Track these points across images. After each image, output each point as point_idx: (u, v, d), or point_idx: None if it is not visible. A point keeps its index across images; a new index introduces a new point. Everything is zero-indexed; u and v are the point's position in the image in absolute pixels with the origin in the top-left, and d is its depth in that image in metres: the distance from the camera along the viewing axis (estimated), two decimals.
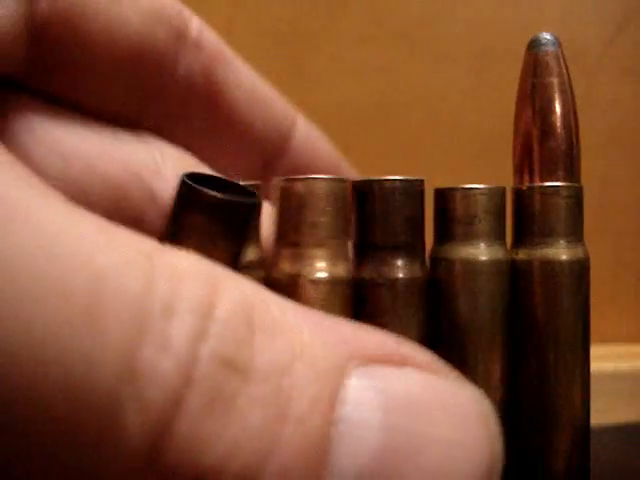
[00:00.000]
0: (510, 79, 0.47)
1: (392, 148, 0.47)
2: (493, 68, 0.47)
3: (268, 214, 0.19)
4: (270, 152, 0.24)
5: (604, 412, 0.43)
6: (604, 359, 0.45)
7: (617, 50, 0.48)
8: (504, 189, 0.17)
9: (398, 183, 0.16)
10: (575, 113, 0.18)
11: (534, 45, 0.20)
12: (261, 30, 0.46)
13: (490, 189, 0.16)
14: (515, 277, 0.16)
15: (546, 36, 0.19)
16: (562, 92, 0.17)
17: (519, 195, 0.17)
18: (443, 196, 0.16)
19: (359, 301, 0.16)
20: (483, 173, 0.48)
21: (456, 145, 0.47)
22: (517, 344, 0.16)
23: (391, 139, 0.47)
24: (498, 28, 0.47)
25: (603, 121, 0.48)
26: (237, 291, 0.11)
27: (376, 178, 0.17)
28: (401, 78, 0.46)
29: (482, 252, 0.16)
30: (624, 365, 0.44)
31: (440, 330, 0.16)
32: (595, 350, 0.51)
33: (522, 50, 0.51)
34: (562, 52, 0.18)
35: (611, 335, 0.48)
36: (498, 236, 0.16)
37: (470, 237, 0.16)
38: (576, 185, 0.17)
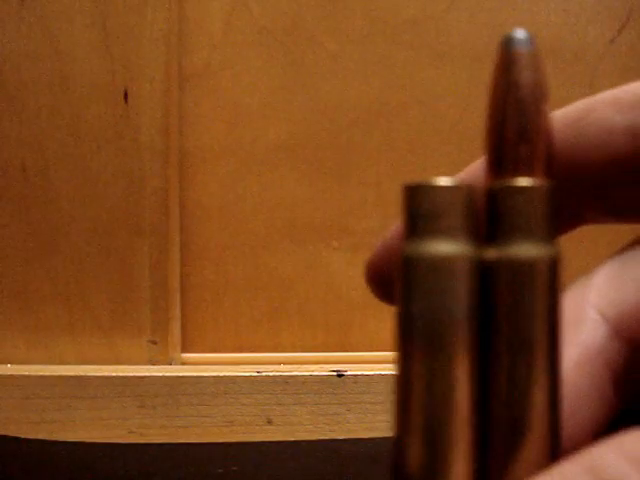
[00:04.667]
0: None
1: (392, 146, 0.46)
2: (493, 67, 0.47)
3: None
4: None
5: None
6: None
7: (618, 49, 0.47)
8: (473, 185, 0.16)
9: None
10: (548, 111, 0.17)
11: (508, 43, 0.19)
12: (261, 28, 0.46)
13: (458, 184, 0.16)
14: (483, 277, 0.16)
15: (520, 33, 0.19)
16: (537, 92, 0.17)
17: (490, 191, 0.17)
18: (409, 191, 0.16)
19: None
20: None
21: (455, 143, 0.47)
22: (485, 348, 0.16)
23: (391, 137, 0.46)
24: (498, 28, 0.47)
25: None
26: None
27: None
28: (401, 77, 0.46)
29: (447, 249, 0.15)
30: None
31: (400, 331, 0.16)
32: None
33: None
34: (537, 50, 0.17)
35: None
36: (466, 233, 0.16)
37: (436, 234, 0.15)
38: (549, 182, 0.16)
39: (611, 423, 0.15)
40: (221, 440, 0.42)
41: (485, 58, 0.47)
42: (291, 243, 0.46)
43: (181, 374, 0.43)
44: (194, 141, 0.46)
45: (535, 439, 0.15)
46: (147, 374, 0.43)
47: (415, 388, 0.15)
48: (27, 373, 0.43)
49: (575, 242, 0.43)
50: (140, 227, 0.44)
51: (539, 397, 0.15)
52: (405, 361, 0.15)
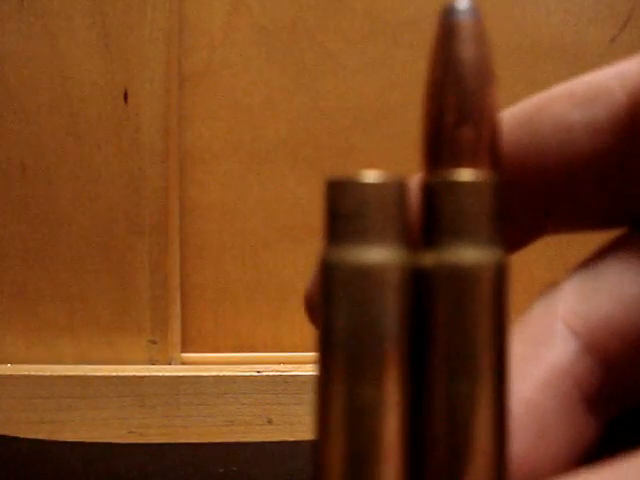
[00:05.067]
0: (511, 77, 0.47)
1: (392, 146, 0.46)
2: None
3: None
4: None
5: None
6: None
7: (619, 49, 0.47)
8: (404, 180, 0.14)
9: None
10: (495, 93, 0.15)
11: (448, 13, 0.16)
12: (261, 28, 0.46)
13: (386, 180, 0.13)
14: (418, 286, 0.14)
15: (462, 3, 0.16)
16: (480, 68, 0.15)
17: (426, 187, 0.14)
18: (331, 188, 0.14)
19: None
20: None
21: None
22: (422, 366, 0.14)
23: (391, 137, 0.46)
24: (499, 27, 0.47)
25: None
26: None
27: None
28: (401, 77, 0.46)
29: (376, 256, 0.13)
30: None
31: (320, 348, 0.14)
32: None
33: (522, 51, 0.50)
34: (481, 22, 0.15)
35: None
36: (399, 236, 0.14)
37: (362, 237, 0.13)
38: (494, 176, 0.14)
39: (601, 445, 0.14)
40: (221, 440, 0.42)
41: None
42: (291, 242, 0.46)
43: (181, 374, 0.43)
44: (194, 141, 0.46)
45: (479, 465, 0.13)
46: (147, 374, 0.43)
47: (335, 412, 0.13)
48: (27, 373, 0.42)
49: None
50: (140, 226, 0.44)
51: (483, 420, 0.13)
52: (325, 382, 0.13)
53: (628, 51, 0.53)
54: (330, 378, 0.13)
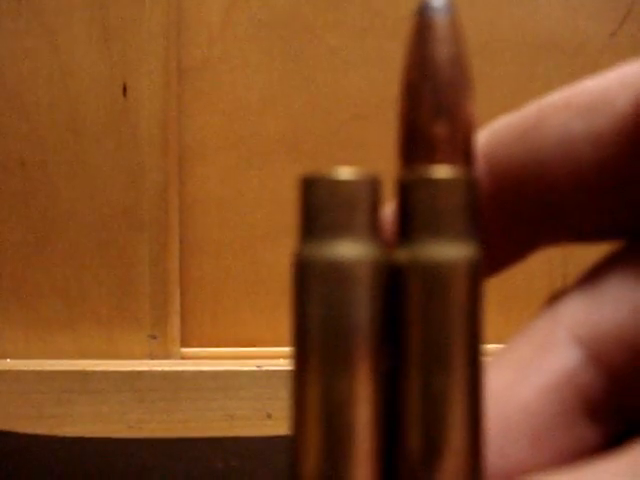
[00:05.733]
0: (510, 74, 0.47)
1: (391, 141, 0.46)
2: (492, 63, 0.47)
3: None
4: None
5: None
6: None
7: (619, 43, 0.47)
8: (378, 177, 0.14)
9: None
10: (470, 90, 0.14)
11: (423, 10, 0.16)
12: (260, 22, 0.46)
13: (358, 176, 0.14)
14: (393, 282, 0.14)
15: (437, 0, 0.16)
16: (455, 65, 0.15)
17: (401, 185, 0.14)
18: (304, 185, 0.14)
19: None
20: None
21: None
22: (396, 363, 0.14)
23: (390, 132, 0.46)
24: (497, 22, 0.46)
25: None
26: None
27: None
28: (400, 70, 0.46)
29: (349, 251, 0.13)
30: None
31: (294, 343, 0.14)
32: None
33: (521, 46, 0.50)
34: (458, 18, 0.15)
35: None
36: (373, 233, 0.14)
37: (339, 233, 0.13)
38: (469, 173, 0.14)
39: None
40: (221, 435, 0.42)
41: (484, 53, 0.47)
42: (291, 237, 0.46)
43: (181, 368, 0.43)
44: (193, 135, 0.46)
45: (453, 460, 0.13)
46: (146, 369, 0.43)
47: (310, 405, 0.13)
48: (26, 368, 0.42)
49: None
50: (139, 221, 0.44)
51: (457, 415, 0.13)
52: (299, 376, 0.14)
53: (628, 46, 0.53)
54: (304, 372, 0.14)
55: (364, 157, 0.47)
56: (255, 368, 0.43)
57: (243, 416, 0.42)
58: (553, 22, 0.47)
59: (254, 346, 0.46)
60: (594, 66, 0.47)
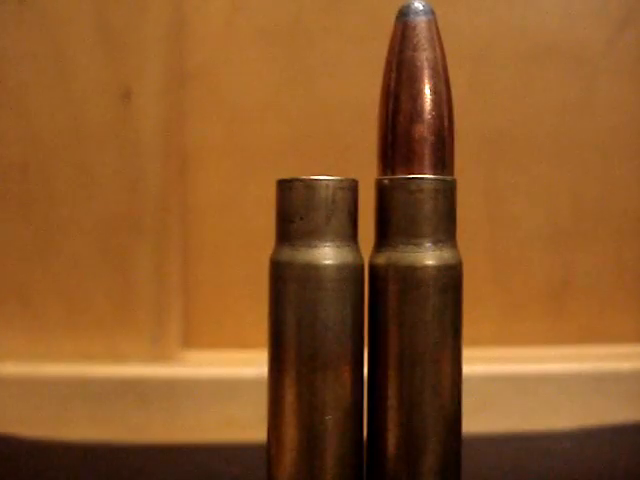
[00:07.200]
0: (509, 79, 0.47)
1: None
2: (492, 67, 0.47)
3: None
4: None
5: (604, 412, 0.43)
6: (605, 359, 0.45)
7: (618, 49, 0.47)
8: (356, 182, 0.14)
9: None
10: (448, 93, 0.14)
11: (404, 13, 0.16)
12: (261, 28, 0.46)
13: (339, 181, 0.13)
14: (371, 284, 0.14)
15: (417, 4, 0.16)
16: (432, 69, 0.14)
17: (379, 189, 0.14)
18: (282, 188, 0.14)
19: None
20: (479, 172, 0.48)
21: (455, 141, 0.47)
22: (375, 361, 0.14)
23: None
24: (497, 27, 0.47)
25: (603, 121, 0.48)
26: None
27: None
28: None
29: (326, 255, 0.13)
30: (625, 365, 0.44)
31: (271, 342, 0.14)
32: (596, 350, 0.51)
33: (521, 50, 0.51)
34: (436, 23, 0.15)
35: (611, 335, 0.48)
36: (349, 236, 0.13)
37: (315, 237, 0.13)
38: (446, 178, 0.14)
39: None
40: (222, 440, 0.42)
41: (484, 57, 0.47)
42: None
43: (182, 373, 0.43)
44: (195, 140, 0.46)
45: (433, 452, 0.13)
46: (147, 373, 0.43)
47: (286, 405, 0.14)
48: (27, 371, 0.43)
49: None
50: (141, 225, 0.44)
51: (436, 409, 0.13)
52: (276, 377, 0.14)
53: (628, 51, 0.53)
54: (279, 373, 0.14)
55: (365, 162, 0.47)
56: (256, 373, 0.43)
57: (245, 421, 0.42)
58: (552, 27, 0.47)
59: (255, 350, 0.46)
60: (593, 71, 0.48)
